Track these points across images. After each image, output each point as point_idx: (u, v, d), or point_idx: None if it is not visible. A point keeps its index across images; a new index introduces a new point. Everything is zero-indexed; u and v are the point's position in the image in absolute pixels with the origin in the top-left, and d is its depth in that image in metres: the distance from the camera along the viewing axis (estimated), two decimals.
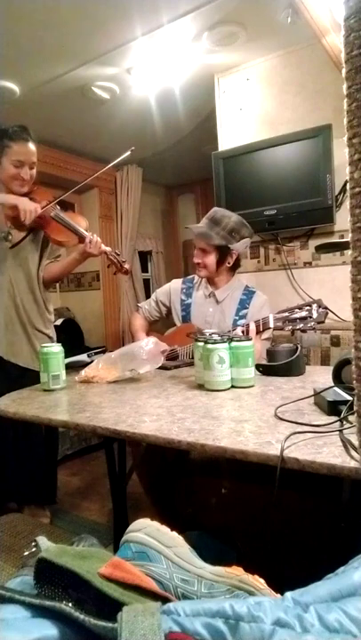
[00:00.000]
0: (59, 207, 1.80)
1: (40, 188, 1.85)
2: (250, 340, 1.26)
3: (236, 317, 1.77)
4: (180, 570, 0.55)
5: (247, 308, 1.77)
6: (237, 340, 1.23)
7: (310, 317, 1.37)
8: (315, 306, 1.39)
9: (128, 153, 1.82)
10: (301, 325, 1.38)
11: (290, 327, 1.42)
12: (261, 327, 1.50)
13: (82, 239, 1.77)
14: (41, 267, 1.86)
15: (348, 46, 0.46)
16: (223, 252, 1.75)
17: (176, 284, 1.96)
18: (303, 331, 1.42)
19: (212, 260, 1.76)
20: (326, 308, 1.40)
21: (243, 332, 1.50)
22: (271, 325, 1.45)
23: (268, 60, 2.31)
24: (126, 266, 1.85)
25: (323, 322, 1.39)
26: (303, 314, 1.39)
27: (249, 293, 1.81)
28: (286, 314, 1.43)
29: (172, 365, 1.59)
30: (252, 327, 1.50)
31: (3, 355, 1.79)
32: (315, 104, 2.19)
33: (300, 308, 1.41)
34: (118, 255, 1.84)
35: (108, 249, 1.81)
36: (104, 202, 3.93)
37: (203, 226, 1.76)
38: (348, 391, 0.91)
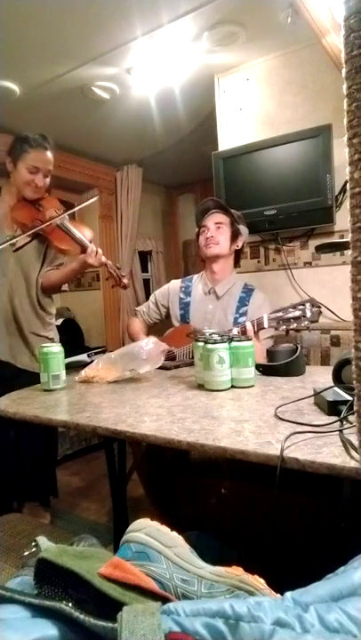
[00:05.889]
0: (66, 216, 1.80)
1: (50, 196, 1.87)
2: (250, 339, 1.26)
3: (237, 315, 1.77)
4: (180, 570, 0.55)
5: (247, 305, 1.77)
6: (237, 340, 1.23)
7: (304, 317, 1.37)
8: (308, 305, 1.38)
9: (96, 198, 2.09)
10: (295, 325, 1.37)
11: (284, 327, 1.41)
12: (256, 327, 1.49)
13: (84, 249, 1.77)
14: (41, 273, 1.86)
15: (348, 46, 0.46)
16: (235, 232, 1.81)
17: (175, 284, 1.96)
18: (297, 330, 1.41)
19: (226, 236, 1.80)
20: (320, 306, 1.40)
21: (239, 332, 1.50)
22: (266, 326, 1.44)
23: (268, 60, 2.31)
24: (125, 280, 1.85)
25: (316, 321, 1.38)
26: (297, 313, 1.38)
27: (248, 291, 1.81)
28: (280, 314, 1.42)
29: (172, 365, 1.59)
30: (249, 327, 1.50)
31: (1, 356, 1.79)
32: (315, 104, 2.19)
33: (294, 307, 1.40)
34: (119, 269, 1.84)
35: (109, 262, 1.81)
36: (104, 202, 3.92)
37: None
38: (348, 391, 0.91)
